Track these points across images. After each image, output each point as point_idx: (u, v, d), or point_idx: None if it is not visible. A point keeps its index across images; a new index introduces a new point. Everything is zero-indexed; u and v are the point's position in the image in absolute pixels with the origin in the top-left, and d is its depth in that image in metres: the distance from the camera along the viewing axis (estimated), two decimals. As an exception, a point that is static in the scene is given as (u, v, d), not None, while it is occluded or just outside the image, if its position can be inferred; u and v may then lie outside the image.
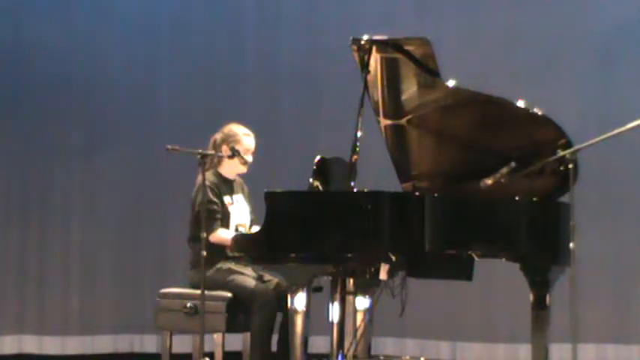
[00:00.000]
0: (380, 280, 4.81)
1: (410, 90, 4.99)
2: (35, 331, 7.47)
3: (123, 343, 7.46)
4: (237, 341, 5.49)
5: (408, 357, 6.92)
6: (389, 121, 5.09)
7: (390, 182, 5.07)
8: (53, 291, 7.49)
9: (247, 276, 5.30)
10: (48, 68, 7.57)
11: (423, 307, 6.78)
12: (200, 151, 5.18)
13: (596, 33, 6.95)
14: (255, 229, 5.20)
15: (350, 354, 4.91)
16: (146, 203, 7.53)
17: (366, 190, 4.65)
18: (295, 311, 4.73)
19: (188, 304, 5.25)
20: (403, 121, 5.07)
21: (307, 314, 4.73)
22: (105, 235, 7.54)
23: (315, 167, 4.94)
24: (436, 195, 4.75)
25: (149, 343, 7.39)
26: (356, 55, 4.90)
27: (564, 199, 4.71)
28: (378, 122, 5.10)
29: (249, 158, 5.51)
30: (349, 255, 4.63)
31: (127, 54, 7.63)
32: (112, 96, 7.58)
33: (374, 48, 4.86)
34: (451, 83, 4.81)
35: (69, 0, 7.69)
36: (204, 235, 5.01)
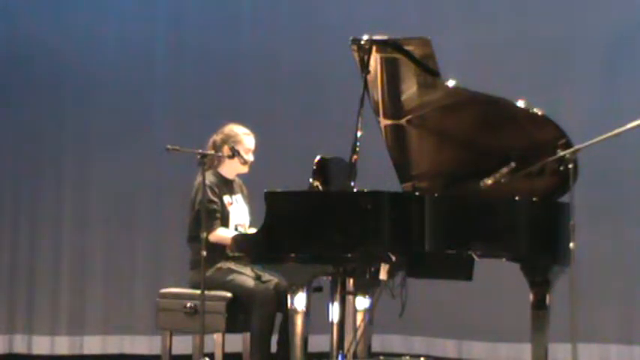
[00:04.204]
0: (380, 280, 4.81)
1: (410, 90, 4.99)
2: (25, 330, 7.46)
3: (112, 343, 7.45)
4: (237, 342, 5.49)
5: (408, 357, 6.91)
6: (389, 121, 5.09)
7: (390, 182, 5.07)
8: (43, 291, 7.48)
9: (247, 276, 5.30)
10: (41, 67, 7.55)
11: (430, 306, 6.81)
12: (200, 151, 5.19)
13: (598, 37, 6.94)
14: (253, 230, 5.21)
15: (350, 354, 4.90)
16: (138, 204, 7.52)
17: (366, 190, 4.64)
18: (295, 311, 4.72)
19: (188, 304, 5.25)
20: (403, 121, 5.07)
21: (307, 314, 4.73)
22: (96, 235, 7.52)
23: (315, 167, 4.94)
24: (436, 195, 4.76)
25: (139, 345, 7.38)
26: (356, 55, 4.90)
27: (564, 199, 4.71)
28: (378, 122, 5.10)
29: (250, 158, 5.52)
30: (349, 255, 4.63)
31: (122, 53, 7.60)
32: (107, 95, 7.55)
33: (374, 48, 4.85)
34: (451, 83, 4.80)
35: (64, -1, 7.71)
36: (204, 234, 5.02)
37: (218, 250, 5.24)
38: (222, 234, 5.30)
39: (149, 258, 7.47)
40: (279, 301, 5.15)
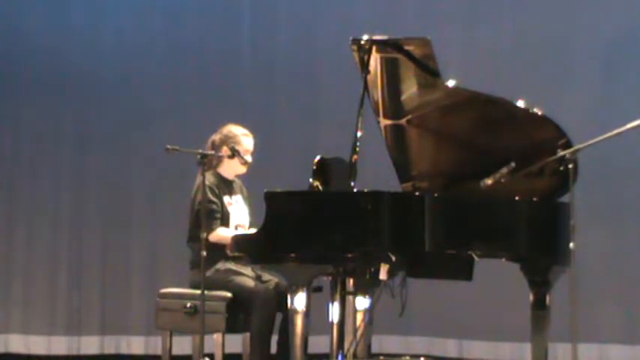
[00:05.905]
0: (380, 280, 4.81)
1: (410, 90, 4.99)
2: (22, 330, 7.47)
3: (109, 344, 7.45)
4: (237, 342, 5.49)
5: (408, 357, 6.91)
6: (389, 121, 5.09)
7: (390, 182, 5.07)
8: (40, 291, 7.49)
9: (247, 276, 5.30)
10: (39, 66, 7.56)
11: (430, 306, 6.80)
12: (200, 151, 5.18)
13: (598, 37, 6.93)
14: (253, 231, 5.20)
15: (350, 354, 4.90)
16: (135, 204, 7.53)
17: (366, 190, 4.64)
18: (295, 311, 4.72)
19: (188, 304, 5.25)
20: (403, 121, 5.07)
21: (307, 314, 4.73)
22: (93, 235, 7.53)
23: (315, 167, 4.93)
24: (436, 195, 4.75)
25: (136, 345, 7.38)
26: (356, 55, 4.89)
27: (564, 199, 4.70)
28: (378, 122, 5.10)
29: (249, 159, 5.52)
30: (349, 255, 4.63)
31: (121, 53, 7.61)
32: (105, 95, 7.56)
33: (374, 48, 4.85)
34: (451, 83, 4.80)
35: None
36: (204, 234, 5.02)
37: (218, 251, 5.24)
38: (222, 233, 5.29)
39: (147, 258, 7.47)
40: (279, 301, 5.14)
